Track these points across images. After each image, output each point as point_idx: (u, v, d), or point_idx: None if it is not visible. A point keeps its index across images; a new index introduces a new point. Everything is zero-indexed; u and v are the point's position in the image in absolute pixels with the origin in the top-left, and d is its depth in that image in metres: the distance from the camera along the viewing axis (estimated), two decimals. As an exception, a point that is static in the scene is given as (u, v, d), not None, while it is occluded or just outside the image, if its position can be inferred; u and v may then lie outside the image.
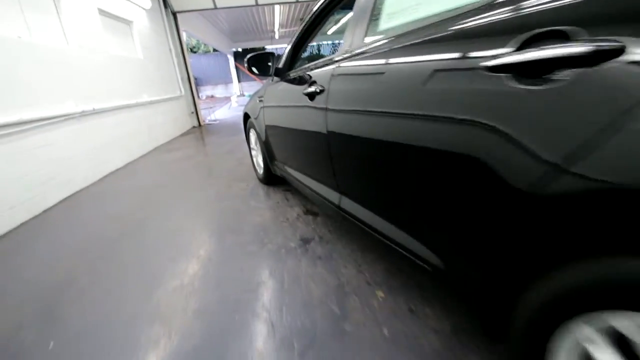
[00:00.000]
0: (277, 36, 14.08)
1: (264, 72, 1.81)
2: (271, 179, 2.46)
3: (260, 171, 2.60)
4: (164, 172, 3.40)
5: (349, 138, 1.09)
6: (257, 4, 6.40)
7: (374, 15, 1.08)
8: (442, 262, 0.82)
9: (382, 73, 0.91)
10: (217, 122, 7.53)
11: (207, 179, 3.00)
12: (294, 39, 1.75)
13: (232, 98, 12.85)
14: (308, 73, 1.47)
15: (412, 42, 0.81)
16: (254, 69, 1.79)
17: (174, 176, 3.20)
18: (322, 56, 1.48)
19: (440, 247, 0.82)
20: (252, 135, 2.62)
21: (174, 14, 6.36)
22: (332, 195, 1.37)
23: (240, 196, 2.42)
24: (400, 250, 0.97)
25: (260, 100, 2.19)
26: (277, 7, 8.71)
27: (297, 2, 6.70)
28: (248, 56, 1.75)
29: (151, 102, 4.96)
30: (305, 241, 1.67)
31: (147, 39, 5.29)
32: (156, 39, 5.68)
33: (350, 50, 1.12)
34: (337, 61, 1.18)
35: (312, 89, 1.31)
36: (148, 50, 5.24)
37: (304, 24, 1.63)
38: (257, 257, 1.56)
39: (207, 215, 2.14)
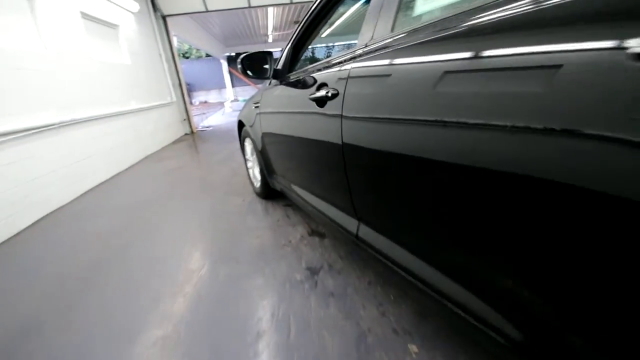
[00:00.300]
0: (270, 40, 13.87)
1: (259, 75, 1.57)
2: (270, 192, 2.22)
3: (257, 184, 2.35)
4: (152, 185, 3.14)
5: (372, 153, 0.85)
6: (249, 6, 6.17)
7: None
8: (524, 335, 0.58)
9: (418, 71, 0.68)
10: (211, 128, 7.27)
11: (199, 192, 2.74)
12: (294, 37, 1.52)
13: (225, 103, 12.58)
14: (314, 75, 1.23)
15: (466, 27, 0.57)
16: (248, 71, 1.54)
17: (163, 190, 2.94)
18: (329, 55, 1.24)
19: (526, 313, 0.57)
20: (248, 145, 2.38)
21: (164, 18, 6.11)
22: (348, 222, 1.13)
23: (235, 213, 2.17)
24: (451, 306, 0.72)
25: (256, 107, 1.95)
26: (270, 9, 8.50)
27: (292, 3, 6.48)
28: (242, 56, 1.51)
29: (140, 110, 4.69)
30: (313, 271, 1.42)
31: (135, 44, 5.03)
32: (145, 44, 5.43)
33: (372, 44, 0.89)
34: (353, 59, 0.95)
35: (321, 93, 1.08)
36: (136, 56, 4.98)
37: (305, 18, 1.39)
38: (257, 295, 1.31)
39: (198, 239, 1.89)
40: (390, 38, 0.82)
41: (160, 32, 6.03)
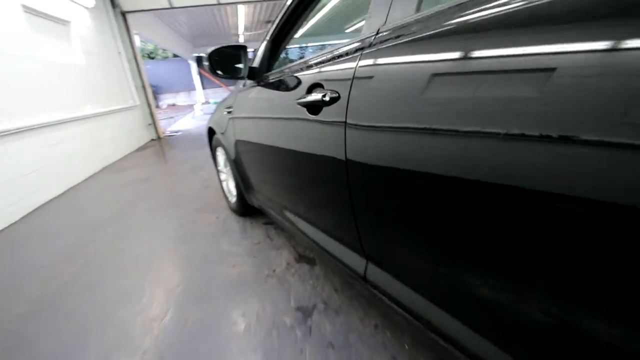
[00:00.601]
0: (242, 40, 13.44)
1: (232, 74, 1.30)
2: (247, 209, 1.94)
3: (233, 199, 2.07)
4: (110, 201, 2.75)
5: (390, 173, 0.62)
6: (219, 3, 5.82)
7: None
8: None
9: (457, 66, 0.47)
10: (179, 133, 6.82)
11: (166, 209, 2.41)
12: (273, 30, 1.27)
13: (195, 106, 12.01)
14: (301, 74, 0.99)
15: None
16: (218, 70, 1.27)
17: (123, 206, 2.57)
18: (321, 50, 1.00)
19: None
20: (220, 155, 2.09)
21: (123, 14, 5.62)
22: (353, 260, 0.89)
23: (208, 235, 1.88)
24: None
25: (229, 112, 1.67)
26: (240, 7, 8.14)
27: (263, 0, 6.19)
28: (209, 51, 1.23)
29: (97, 115, 4.23)
30: (305, 312, 1.17)
31: (90, 43, 4.55)
32: (102, 43, 4.95)
33: (387, 31, 0.66)
34: (360, 51, 0.71)
35: (314, 96, 0.84)
36: (92, 55, 4.51)
37: (287, 7, 1.15)
38: (236, 350, 1.04)
39: (162, 270, 1.58)
40: (415, 20, 0.60)
41: (120, 29, 5.55)
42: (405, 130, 0.56)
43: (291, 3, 1.11)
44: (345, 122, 0.72)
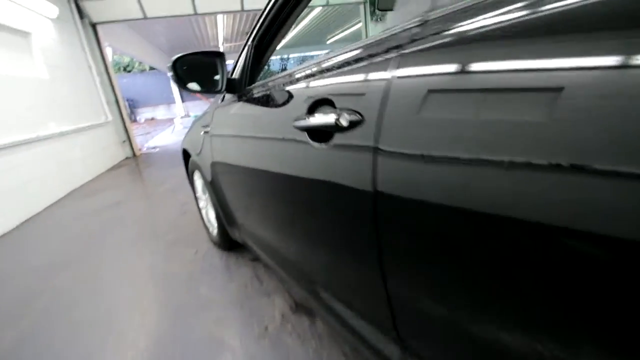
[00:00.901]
0: (222, 51, 13.18)
1: (206, 86, 1.04)
2: (231, 242, 1.66)
3: (214, 231, 1.78)
4: (73, 234, 2.40)
5: (454, 216, 0.38)
6: (195, 13, 5.56)
7: None
8: None
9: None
10: (157, 149, 6.43)
11: (136, 242, 2.10)
12: (255, 32, 1.03)
13: (175, 120, 11.59)
14: (296, 87, 0.74)
15: None
16: (188, 84, 1.01)
17: (85, 241, 2.23)
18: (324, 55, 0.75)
19: None
20: (198, 180, 1.81)
21: (93, 26, 5.28)
22: (378, 342, 0.64)
23: (185, 278, 1.58)
24: None
25: (206, 132, 1.41)
26: (220, 17, 7.91)
27: (243, 10, 5.97)
28: (173, 59, 0.97)
29: (63, 134, 3.86)
30: (309, 395, 0.90)
31: (55, 55, 4.19)
32: (69, 56, 4.58)
33: (436, 19, 0.42)
34: (398, 49, 0.47)
35: (320, 119, 0.59)
36: (57, 69, 4.14)
37: (272, 3, 0.91)
38: None
39: (125, 333, 1.28)
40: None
41: (90, 41, 5.19)
42: (481, 163, 0.33)
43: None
44: (376, 148, 0.47)
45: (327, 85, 0.63)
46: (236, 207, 1.29)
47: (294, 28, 9.40)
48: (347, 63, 0.59)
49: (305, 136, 0.66)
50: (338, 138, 0.56)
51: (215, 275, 1.57)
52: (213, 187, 1.45)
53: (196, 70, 1.01)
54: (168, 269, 1.68)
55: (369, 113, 0.49)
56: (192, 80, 0.99)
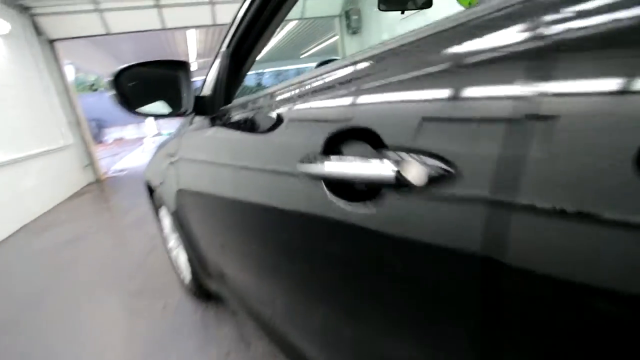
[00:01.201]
0: (195, 67, 12.84)
1: (164, 109, 0.78)
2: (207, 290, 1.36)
3: (186, 278, 1.48)
4: (16, 284, 2.01)
5: None
6: (163, 28, 5.26)
7: None
8: None
9: None
10: (125, 172, 5.97)
11: (93, 292, 1.74)
12: (231, 36, 0.78)
13: (145, 140, 11.03)
14: (299, 107, 0.50)
15: None
16: (142, 107, 0.74)
17: (30, 294, 1.85)
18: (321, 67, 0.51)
19: None
20: (166, 218, 1.51)
21: (51, 42, 4.87)
22: None
23: (151, 342, 1.27)
24: None
25: (172, 162, 1.14)
26: (190, 33, 7.63)
27: (215, 25, 5.73)
28: (116, 71, 0.69)
29: (10, 162, 3.41)
30: None
31: (4, 74, 3.76)
32: (22, 74, 4.15)
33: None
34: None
35: (359, 168, 0.35)
36: (6, 89, 3.71)
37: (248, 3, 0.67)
38: None
39: None
40: None
41: (47, 59, 4.78)
42: None
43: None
44: (500, 202, 0.24)
45: (356, 105, 0.39)
46: (213, 254, 1.02)
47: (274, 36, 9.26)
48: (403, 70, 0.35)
49: (321, 187, 0.41)
50: (394, 197, 0.32)
51: (190, 336, 1.27)
52: (177, 217, 1.17)
53: (150, 86, 0.75)
54: (131, 331, 1.36)
55: (468, 158, 0.25)
56: (144, 101, 0.72)
